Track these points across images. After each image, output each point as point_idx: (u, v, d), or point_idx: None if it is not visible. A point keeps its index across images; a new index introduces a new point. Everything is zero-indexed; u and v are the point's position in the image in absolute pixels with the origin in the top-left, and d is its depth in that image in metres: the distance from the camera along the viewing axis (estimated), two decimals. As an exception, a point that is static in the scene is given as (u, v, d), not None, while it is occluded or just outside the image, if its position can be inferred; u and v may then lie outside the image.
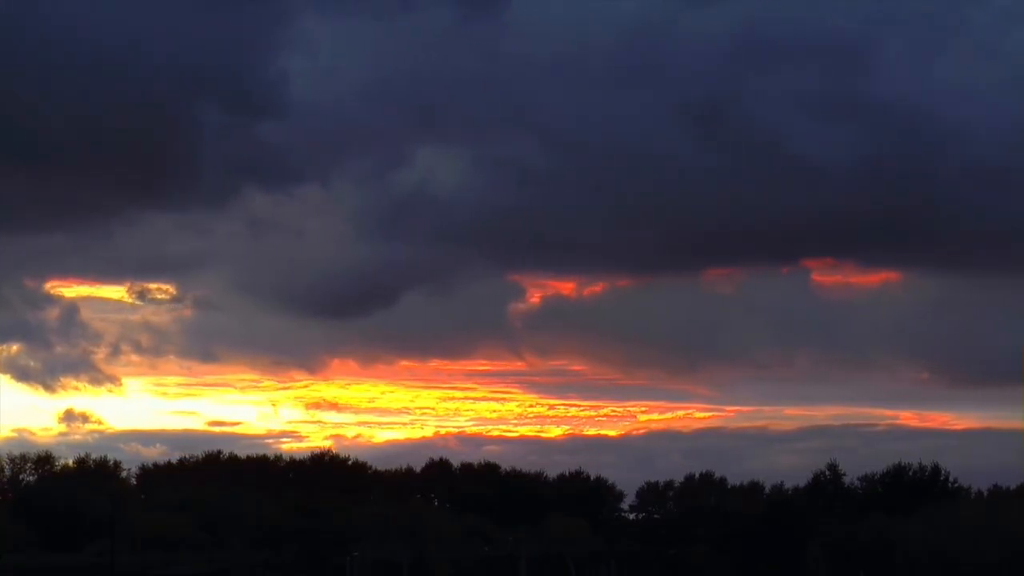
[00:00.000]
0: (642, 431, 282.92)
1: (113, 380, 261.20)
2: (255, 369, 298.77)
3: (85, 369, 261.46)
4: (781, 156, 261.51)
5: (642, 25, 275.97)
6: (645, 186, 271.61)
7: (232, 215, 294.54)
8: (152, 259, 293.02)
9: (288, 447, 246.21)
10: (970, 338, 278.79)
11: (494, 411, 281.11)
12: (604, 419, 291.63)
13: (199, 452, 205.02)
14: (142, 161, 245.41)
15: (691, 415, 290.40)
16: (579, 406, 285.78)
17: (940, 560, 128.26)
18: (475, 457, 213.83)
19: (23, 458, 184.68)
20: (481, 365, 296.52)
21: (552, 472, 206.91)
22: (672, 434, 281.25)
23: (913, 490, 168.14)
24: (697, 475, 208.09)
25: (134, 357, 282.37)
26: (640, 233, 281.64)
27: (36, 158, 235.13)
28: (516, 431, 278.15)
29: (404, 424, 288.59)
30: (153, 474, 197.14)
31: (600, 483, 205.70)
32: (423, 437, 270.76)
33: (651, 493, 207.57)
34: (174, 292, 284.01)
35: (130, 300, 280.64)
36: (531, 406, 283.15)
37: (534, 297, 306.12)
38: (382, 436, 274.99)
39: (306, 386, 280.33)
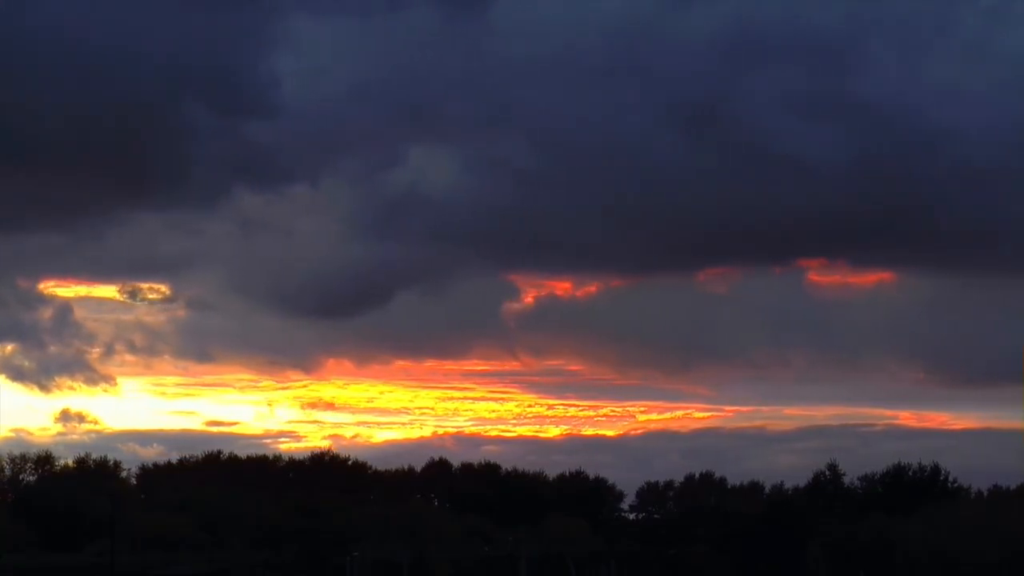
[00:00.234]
0: (640, 431, 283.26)
1: (108, 380, 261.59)
2: (251, 369, 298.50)
3: (80, 369, 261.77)
4: (772, 156, 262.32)
5: (630, 24, 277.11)
6: (636, 186, 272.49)
7: (224, 215, 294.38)
8: (145, 259, 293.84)
9: (286, 447, 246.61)
10: (966, 338, 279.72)
11: (493, 411, 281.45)
12: (603, 419, 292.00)
13: (197, 452, 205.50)
14: (134, 161, 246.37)
15: (690, 415, 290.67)
16: (578, 406, 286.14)
17: (940, 560, 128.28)
18: (473, 457, 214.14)
19: (23, 458, 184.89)
20: (478, 365, 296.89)
21: (551, 472, 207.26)
22: (670, 434, 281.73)
23: (913, 490, 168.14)
24: (697, 475, 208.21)
25: (128, 357, 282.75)
26: (633, 233, 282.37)
27: (27, 158, 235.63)
28: (514, 431, 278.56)
29: (403, 424, 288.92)
30: (153, 474, 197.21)
31: (600, 483, 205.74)
32: (421, 437, 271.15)
33: (651, 493, 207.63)
34: (168, 292, 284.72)
35: (124, 300, 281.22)
36: (530, 406, 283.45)
37: (528, 297, 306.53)
38: (380, 436, 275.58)
39: (305, 386, 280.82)
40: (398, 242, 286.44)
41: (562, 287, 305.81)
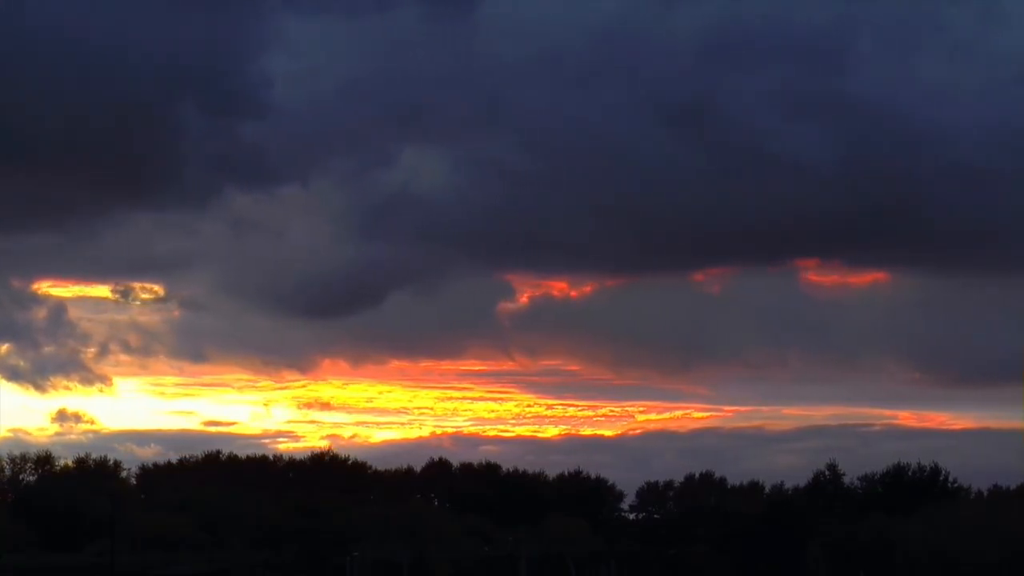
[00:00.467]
0: (638, 431, 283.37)
1: (104, 380, 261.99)
2: (247, 369, 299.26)
3: (75, 369, 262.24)
4: (765, 156, 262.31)
5: (619, 24, 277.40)
6: (628, 186, 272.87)
7: (216, 215, 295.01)
8: (139, 259, 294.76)
9: (285, 447, 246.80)
10: (961, 339, 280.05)
11: (492, 411, 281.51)
12: (602, 419, 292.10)
13: (194, 452, 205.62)
14: (127, 161, 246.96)
15: (689, 415, 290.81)
16: (577, 406, 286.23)
17: (940, 560, 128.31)
18: (472, 457, 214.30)
19: (23, 458, 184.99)
20: (475, 365, 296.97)
21: (549, 472, 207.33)
22: (668, 434, 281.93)
23: (913, 490, 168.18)
24: (697, 475, 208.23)
25: (123, 357, 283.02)
26: (627, 233, 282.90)
27: (20, 158, 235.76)
28: (513, 431, 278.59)
29: (402, 424, 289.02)
30: (153, 474, 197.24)
31: (600, 483, 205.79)
32: (419, 437, 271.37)
33: (651, 493, 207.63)
34: (162, 292, 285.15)
35: (118, 300, 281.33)
36: (529, 406, 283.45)
37: (522, 297, 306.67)
38: (379, 436, 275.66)
39: (304, 386, 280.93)
40: (391, 242, 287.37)
41: (557, 287, 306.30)
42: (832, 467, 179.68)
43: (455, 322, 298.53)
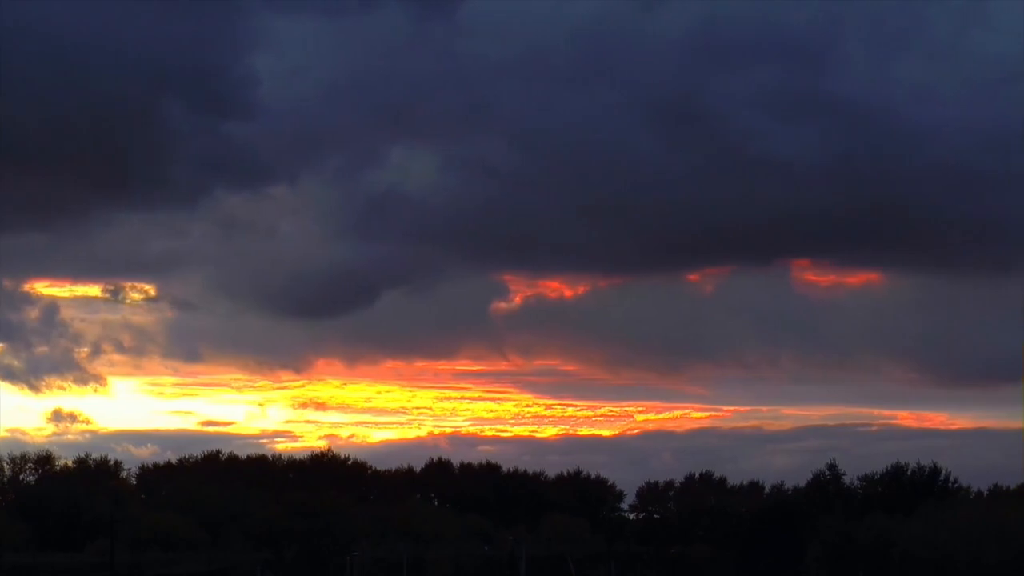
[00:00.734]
0: (636, 431, 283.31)
1: (98, 380, 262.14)
2: (242, 369, 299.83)
3: (69, 369, 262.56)
4: (753, 156, 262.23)
5: (604, 24, 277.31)
6: (620, 187, 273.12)
7: (207, 215, 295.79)
8: (131, 259, 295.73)
9: (283, 447, 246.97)
10: (956, 338, 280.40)
11: (491, 411, 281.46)
12: (601, 419, 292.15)
13: (192, 452, 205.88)
14: (116, 162, 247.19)
15: (688, 415, 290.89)
16: (575, 406, 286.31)
17: (940, 560, 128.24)
18: (470, 457, 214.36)
19: (23, 458, 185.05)
20: (469, 365, 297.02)
21: (548, 472, 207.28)
22: (666, 434, 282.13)
23: (912, 490, 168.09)
24: (697, 475, 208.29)
25: (117, 357, 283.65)
26: (620, 234, 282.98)
27: (9, 159, 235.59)
28: (511, 431, 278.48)
29: (400, 424, 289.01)
30: (153, 474, 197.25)
31: (600, 483, 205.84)
32: (417, 437, 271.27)
33: (651, 493, 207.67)
34: (153, 292, 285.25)
35: (110, 300, 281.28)
36: (528, 406, 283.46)
37: (516, 297, 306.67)
38: (377, 436, 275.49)
39: (302, 386, 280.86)
40: (382, 242, 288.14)
41: (551, 287, 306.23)
42: (832, 467, 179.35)
43: (449, 322, 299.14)
